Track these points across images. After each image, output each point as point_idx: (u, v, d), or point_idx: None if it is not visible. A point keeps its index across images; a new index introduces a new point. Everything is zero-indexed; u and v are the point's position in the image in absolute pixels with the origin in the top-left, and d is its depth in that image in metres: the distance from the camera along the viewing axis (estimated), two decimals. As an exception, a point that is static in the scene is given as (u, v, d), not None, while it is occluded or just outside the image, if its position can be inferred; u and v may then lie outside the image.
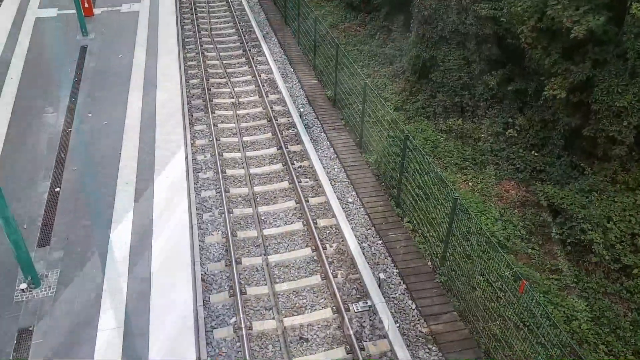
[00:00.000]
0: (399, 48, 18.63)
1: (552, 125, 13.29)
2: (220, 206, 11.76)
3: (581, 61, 12.20)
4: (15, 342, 7.41)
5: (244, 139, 14.42)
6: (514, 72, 14.57)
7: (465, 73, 15.36)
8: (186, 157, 11.75)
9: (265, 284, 9.87)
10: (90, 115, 12.36)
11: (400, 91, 17.32)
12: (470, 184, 13.28)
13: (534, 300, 8.23)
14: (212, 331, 8.77)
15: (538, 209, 12.08)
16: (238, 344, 8.60)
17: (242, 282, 9.82)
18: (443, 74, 15.69)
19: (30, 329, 7.60)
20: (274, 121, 14.91)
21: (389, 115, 13.17)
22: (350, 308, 9.37)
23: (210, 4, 23.05)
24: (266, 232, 11.20)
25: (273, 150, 13.99)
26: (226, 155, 13.68)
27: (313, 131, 14.81)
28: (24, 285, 8.19)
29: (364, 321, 9.20)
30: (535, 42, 13.11)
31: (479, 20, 14.81)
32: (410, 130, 13.84)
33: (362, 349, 8.55)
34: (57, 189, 10.22)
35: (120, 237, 9.18)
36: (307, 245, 10.87)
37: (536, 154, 13.44)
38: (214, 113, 15.42)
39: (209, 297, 9.31)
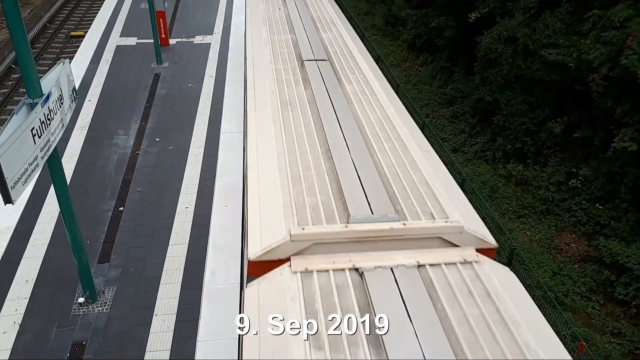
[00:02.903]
0: (460, 89, 18.51)
1: (620, 178, 12.68)
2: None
3: (655, 114, 11.70)
4: (68, 355, 7.72)
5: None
6: (580, 119, 14.11)
7: (529, 118, 15.03)
8: (243, 187, 12.04)
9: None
10: (157, 140, 12.98)
11: (459, 132, 17.15)
12: (528, 233, 12.81)
13: (593, 365, 7.76)
14: None
15: (600, 265, 11.46)
16: None
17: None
18: (505, 118, 15.43)
19: (84, 343, 7.91)
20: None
21: (446, 156, 13.03)
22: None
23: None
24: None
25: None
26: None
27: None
28: (81, 300, 8.57)
29: None
30: (605, 91, 12.70)
31: (547, 65, 14.55)
32: (467, 173, 13.62)
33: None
34: (121, 209, 10.72)
35: (176, 260, 9.48)
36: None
37: (601, 207, 12.83)
38: (273, 144, 15.78)
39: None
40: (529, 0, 15.50)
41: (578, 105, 14.31)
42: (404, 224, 4.98)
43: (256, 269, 4.86)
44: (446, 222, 5.06)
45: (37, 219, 10.29)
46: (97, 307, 8.51)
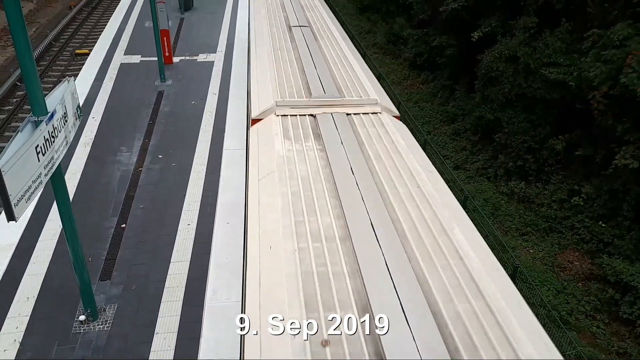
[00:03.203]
0: (461, 107, 18.61)
1: (622, 196, 12.67)
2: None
3: (656, 131, 11.73)
4: (69, 373, 7.66)
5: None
6: (581, 137, 14.16)
7: (530, 136, 15.07)
8: (245, 202, 12.05)
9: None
10: (160, 157, 13.03)
11: (461, 150, 17.19)
12: (531, 251, 12.75)
13: (599, 386, 7.66)
14: None
15: (604, 283, 11.38)
16: None
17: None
18: (507, 136, 15.48)
19: (84, 361, 7.85)
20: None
21: (448, 173, 13.04)
22: None
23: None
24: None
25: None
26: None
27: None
28: (82, 317, 8.52)
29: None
30: (606, 109, 12.76)
31: (547, 84, 14.64)
32: (469, 191, 13.61)
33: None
34: (123, 225, 10.72)
35: (177, 277, 9.45)
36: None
37: (604, 225, 12.79)
38: (275, 161, 15.86)
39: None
40: (529, 19, 15.67)
41: (579, 123, 14.37)
42: (342, 99, 8.62)
43: (256, 122, 8.41)
44: (367, 98, 8.73)
45: (39, 236, 10.28)
46: (98, 324, 8.46)
